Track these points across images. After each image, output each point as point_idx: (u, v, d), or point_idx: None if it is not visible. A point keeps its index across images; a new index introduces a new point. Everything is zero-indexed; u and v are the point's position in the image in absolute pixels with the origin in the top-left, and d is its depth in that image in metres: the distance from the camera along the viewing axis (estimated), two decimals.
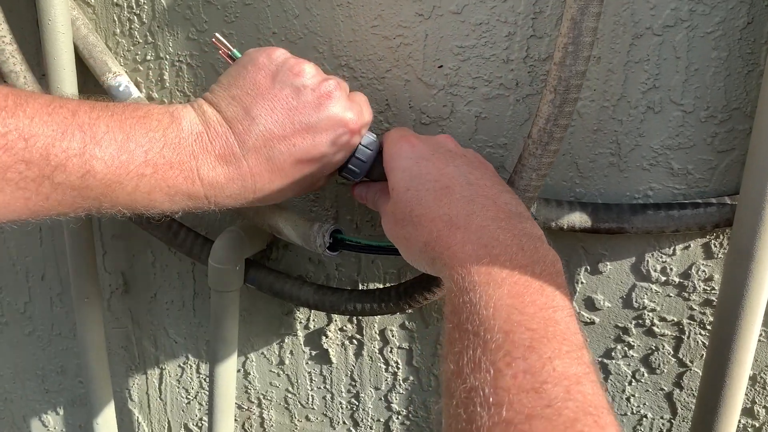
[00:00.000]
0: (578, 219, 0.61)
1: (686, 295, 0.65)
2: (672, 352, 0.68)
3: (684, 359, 0.68)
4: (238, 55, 0.57)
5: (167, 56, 0.69)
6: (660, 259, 0.64)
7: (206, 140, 0.50)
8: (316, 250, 0.63)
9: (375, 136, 0.58)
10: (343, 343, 0.78)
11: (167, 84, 0.71)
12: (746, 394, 0.68)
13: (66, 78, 0.70)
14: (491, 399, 0.34)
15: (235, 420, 0.87)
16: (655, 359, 0.69)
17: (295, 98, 0.53)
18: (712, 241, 0.63)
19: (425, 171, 0.51)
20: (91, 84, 0.73)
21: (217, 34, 0.57)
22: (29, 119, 0.43)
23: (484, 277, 0.41)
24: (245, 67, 0.54)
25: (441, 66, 0.62)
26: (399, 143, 0.55)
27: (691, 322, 0.66)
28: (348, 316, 0.76)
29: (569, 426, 0.32)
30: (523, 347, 0.36)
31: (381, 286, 0.72)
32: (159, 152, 0.48)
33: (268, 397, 0.84)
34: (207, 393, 0.86)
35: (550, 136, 0.53)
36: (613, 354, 0.69)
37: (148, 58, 0.70)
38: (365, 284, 0.74)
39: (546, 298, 0.40)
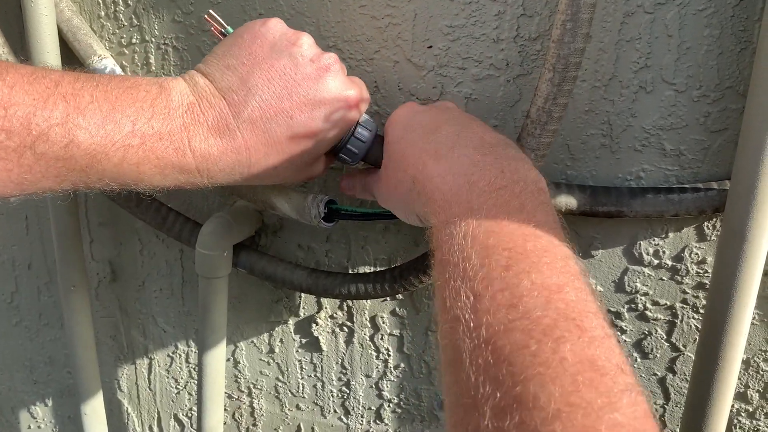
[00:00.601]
0: (576, 202, 0.60)
1: (679, 278, 0.64)
2: (665, 337, 0.67)
3: (677, 343, 0.67)
4: (231, 31, 0.55)
5: (153, 39, 0.68)
6: (653, 242, 0.63)
7: (198, 111, 0.49)
8: (311, 221, 0.63)
9: (371, 118, 0.57)
10: (333, 331, 0.77)
11: (153, 67, 0.69)
12: (740, 378, 0.68)
13: (50, 62, 0.69)
14: (472, 324, 0.34)
15: (225, 410, 0.86)
16: (648, 344, 0.68)
17: (293, 69, 0.51)
18: (705, 223, 0.62)
19: (418, 120, 0.52)
20: (76, 67, 0.72)
21: (210, 11, 0.56)
22: (9, 88, 0.42)
23: (464, 206, 0.41)
24: (241, 36, 0.52)
25: (430, 46, 0.61)
26: (400, 107, 0.55)
27: (684, 306, 0.65)
28: (340, 302, 0.75)
29: (547, 333, 0.32)
30: (500, 267, 0.36)
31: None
32: (147, 123, 0.46)
33: (258, 386, 0.83)
34: (196, 382, 0.85)
35: (549, 115, 0.52)
36: None
37: (134, 41, 0.69)
38: (355, 270, 0.73)
39: (525, 214, 0.40)
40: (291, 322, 0.78)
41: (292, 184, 0.66)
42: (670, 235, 0.63)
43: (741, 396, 0.68)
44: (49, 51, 0.68)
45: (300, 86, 0.51)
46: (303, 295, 0.76)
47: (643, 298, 0.66)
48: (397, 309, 0.73)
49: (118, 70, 0.69)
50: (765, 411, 0.68)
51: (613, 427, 0.28)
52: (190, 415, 0.89)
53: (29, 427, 0.97)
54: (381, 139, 0.56)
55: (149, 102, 0.47)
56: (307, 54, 0.52)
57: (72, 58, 0.70)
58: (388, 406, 0.79)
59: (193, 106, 0.49)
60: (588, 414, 0.28)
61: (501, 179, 0.42)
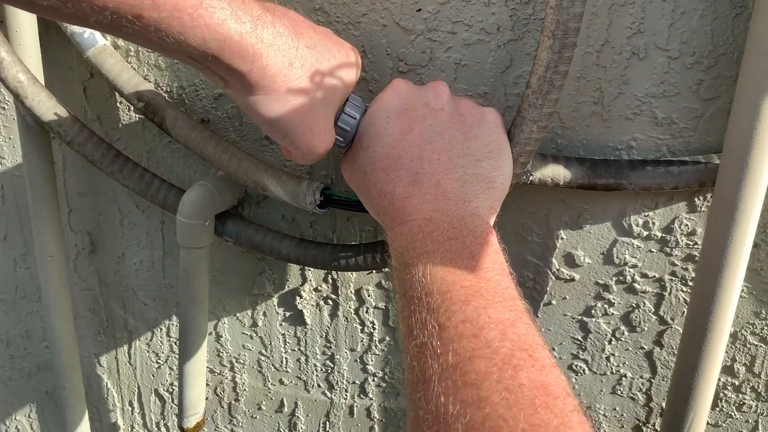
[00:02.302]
0: (574, 175, 0.59)
1: (668, 250, 0.64)
2: (653, 310, 0.67)
3: (665, 317, 0.67)
4: None
5: None
6: (642, 214, 0.63)
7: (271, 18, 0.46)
8: (305, 207, 0.62)
9: (361, 100, 0.55)
10: (317, 304, 0.75)
11: None
12: (726, 352, 0.67)
13: (25, 24, 0.67)
14: (439, 350, 0.38)
15: (207, 384, 0.84)
16: (636, 317, 0.67)
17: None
18: (696, 194, 0.61)
19: (388, 132, 0.52)
20: (53, 32, 0.70)
21: None
22: None
23: (420, 250, 0.45)
24: None
25: (419, 9, 0.59)
26: (386, 89, 0.54)
27: (673, 278, 0.65)
28: (324, 274, 0.74)
29: (507, 362, 0.36)
30: (459, 302, 0.40)
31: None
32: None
33: (241, 361, 0.82)
34: (177, 357, 0.83)
35: (551, 84, 0.51)
36: (593, 312, 0.68)
37: None
38: (340, 242, 0.71)
39: (476, 261, 0.44)
40: (275, 295, 0.77)
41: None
42: (661, 206, 0.62)
43: (728, 370, 0.68)
44: (22, 13, 0.66)
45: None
46: (287, 267, 0.75)
47: (631, 270, 0.65)
48: (383, 281, 0.72)
49: (98, 35, 0.67)
50: (751, 385, 0.68)
51: None
52: (171, 390, 0.88)
53: (6, 402, 0.95)
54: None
55: None
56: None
57: (49, 21, 0.68)
58: (373, 380, 0.78)
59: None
60: None
61: (451, 231, 0.46)
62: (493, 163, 0.51)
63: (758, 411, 0.69)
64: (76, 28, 0.67)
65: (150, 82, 0.68)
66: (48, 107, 0.68)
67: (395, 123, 0.52)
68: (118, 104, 0.72)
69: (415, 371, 0.38)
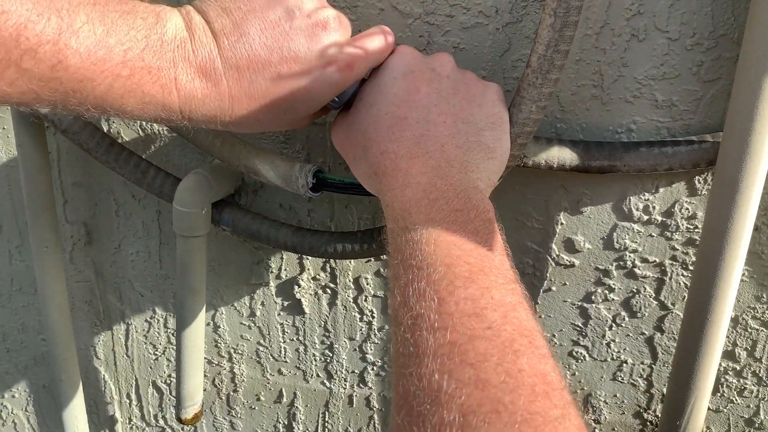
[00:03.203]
0: (568, 157, 0.58)
1: (669, 234, 0.63)
2: (653, 295, 0.66)
3: (666, 302, 0.66)
4: None
5: None
6: (643, 198, 0.62)
7: (189, 48, 0.46)
8: (298, 191, 0.61)
9: None
10: (316, 293, 0.75)
11: None
12: (728, 337, 0.67)
13: None
14: (436, 324, 0.36)
15: (205, 375, 0.84)
16: (636, 302, 0.67)
17: (287, 22, 0.48)
18: (696, 177, 0.61)
19: (395, 91, 0.50)
20: None
21: None
22: None
23: (424, 216, 0.43)
24: None
25: None
26: (393, 54, 0.53)
27: (674, 263, 0.64)
28: (323, 263, 0.73)
29: (507, 345, 0.35)
30: (463, 278, 0.39)
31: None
32: (139, 54, 0.44)
33: (239, 351, 0.81)
34: (175, 348, 0.83)
35: (551, 63, 0.50)
36: (593, 298, 0.67)
37: None
38: (339, 230, 0.71)
39: (480, 238, 0.42)
40: (272, 284, 0.76)
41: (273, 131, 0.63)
42: (661, 189, 0.62)
43: (729, 354, 0.68)
44: None
45: (291, 40, 0.48)
46: (285, 256, 0.74)
47: (632, 255, 0.65)
48: (382, 270, 0.72)
49: None
50: (752, 369, 0.68)
51: None
52: (168, 381, 0.87)
53: (3, 396, 0.94)
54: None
55: (145, 31, 0.44)
56: (306, 7, 0.49)
57: None
58: (372, 369, 0.78)
59: (185, 43, 0.46)
60: (546, 422, 0.32)
61: (457, 202, 0.44)
62: (494, 134, 0.51)
63: (759, 396, 0.69)
64: None
65: None
66: None
67: (401, 83, 0.51)
68: None
69: (408, 344, 0.37)
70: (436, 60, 0.53)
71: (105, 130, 0.70)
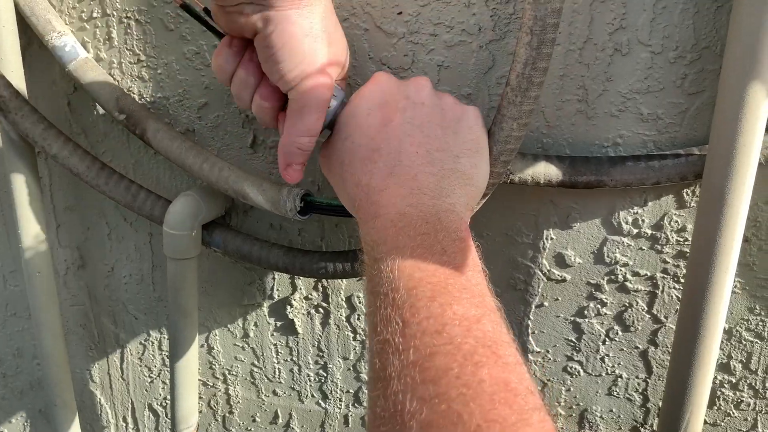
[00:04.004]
0: (555, 173, 0.58)
1: (659, 247, 0.63)
2: (646, 308, 0.66)
3: (658, 315, 0.66)
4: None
5: (114, 12, 0.66)
6: (631, 211, 0.62)
7: None
8: (286, 214, 0.61)
9: (340, 89, 0.55)
10: (308, 313, 0.75)
11: (116, 42, 0.67)
12: (722, 349, 0.66)
13: (7, 38, 0.67)
14: (400, 347, 0.37)
15: (201, 397, 0.83)
16: (629, 316, 0.67)
17: None
18: (684, 190, 0.61)
19: (369, 123, 0.51)
20: (36, 45, 0.70)
21: None
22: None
23: (391, 245, 0.44)
24: None
25: (400, 12, 0.59)
26: (368, 82, 0.54)
27: (665, 276, 0.64)
28: (315, 282, 0.73)
29: (468, 358, 0.35)
30: (425, 298, 0.39)
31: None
32: None
33: (234, 372, 0.81)
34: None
35: (530, 81, 0.50)
36: (585, 312, 0.67)
37: (95, 15, 0.67)
38: (329, 249, 0.71)
39: (447, 257, 0.43)
40: (265, 304, 0.76)
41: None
42: (649, 203, 0.62)
43: (724, 367, 0.67)
44: (5, 26, 0.66)
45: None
46: (277, 276, 0.74)
47: (623, 269, 0.64)
48: None
49: (79, 47, 0.67)
50: (748, 382, 0.67)
51: None
52: (164, 404, 0.87)
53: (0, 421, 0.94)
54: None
55: None
56: None
57: (31, 34, 0.68)
58: (367, 388, 0.77)
59: None
60: (504, 428, 0.32)
61: (424, 227, 0.45)
62: (471, 160, 0.51)
63: (756, 408, 0.68)
64: (57, 42, 0.67)
65: (134, 93, 0.68)
66: (31, 121, 0.67)
67: (376, 114, 0.51)
68: (103, 117, 0.71)
69: (376, 368, 0.38)
70: (411, 86, 0.53)
71: (94, 154, 0.70)
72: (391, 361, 0.36)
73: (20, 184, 0.72)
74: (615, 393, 0.71)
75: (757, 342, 0.66)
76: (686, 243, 0.62)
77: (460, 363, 0.35)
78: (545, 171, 0.59)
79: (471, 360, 0.35)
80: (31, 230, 0.74)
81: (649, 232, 0.62)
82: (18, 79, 0.68)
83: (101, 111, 0.71)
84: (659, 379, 0.69)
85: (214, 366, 0.81)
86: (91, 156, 0.69)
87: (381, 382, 0.36)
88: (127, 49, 0.67)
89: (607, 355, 0.69)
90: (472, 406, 0.33)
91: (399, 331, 0.38)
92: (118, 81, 0.68)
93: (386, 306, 0.40)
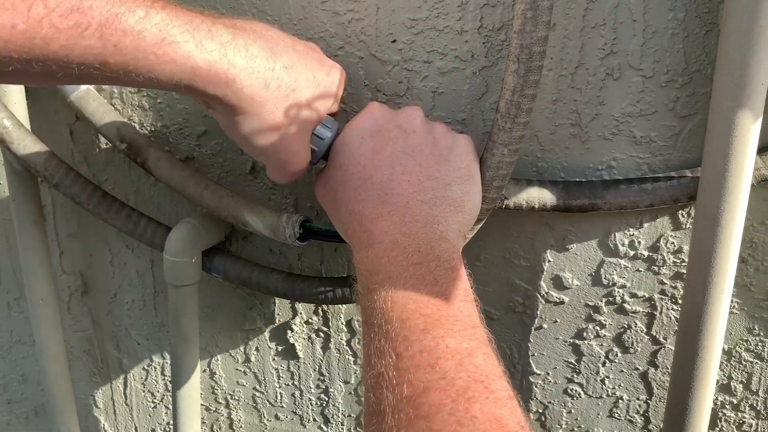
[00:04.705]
0: (549, 197, 0.59)
1: (656, 269, 0.63)
2: (645, 330, 0.66)
3: (657, 336, 0.66)
4: None
5: None
6: (627, 233, 0.62)
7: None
8: (285, 240, 0.62)
9: (333, 120, 0.55)
10: (309, 337, 0.75)
11: None
12: (722, 370, 0.66)
13: None
14: (394, 381, 0.37)
15: (204, 422, 0.84)
16: (628, 338, 0.67)
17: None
18: (680, 211, 0.61)
19: (361, 152, 0.52)
20: None
21: None
22: None
23: (384, 276, 0.45)
24: None
25: (394, 41, 0.60)
26: (362, 112, 0.54)
27: (663, 297, 0.64)
28: (315, 307, 0.73)
29: (461, 393, 0.36)
30: (418, 330, 0.40)
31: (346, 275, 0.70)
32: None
33: (236, 397, 0.81)
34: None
35: (518, 107, 0.51)
36: (584, 334, 0.67)
37: None
38: (328, 274, 0.71)
39: (439, 287, 0.43)
40: (266, 329, 0.76)
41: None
42: (645, 225, 0.62)
43: (725, 388, 0.67)
44: None
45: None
46: (277, 301, 0.74)
47: (620, 290, 0.65)
48: None
49: None
50: (750, 402, 0.67)
51: None
52: (168, 429, 0.87)
53: None
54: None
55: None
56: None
57: None
58: None
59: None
60: None
61: (417, 257, 0.46)
62: (463, 188, 0.51)
63: (759, 429, 0.68)
64: None
65: (134, 122, 0.69)
66: (34, 151, 0.69)
67: (368, 143, 0.52)
68: (105, 146, 0.73)
69: (371, 402, 0.38)
70: (404, 116, 0.53)
71: (96, 183, 0.71)
72: (386, 396, 0.37)
73: (23, 212, 0.73)
74: (616, 415, 0.71)
75: (757, 362, 0.65)
76: (683, 264, 0.62)
77: (453, 399, 0.35)
78: (539, 195, 0.59)
79: (464, 396, 0.36)
80: (34, 258, 0.75)
81: (646, 253, 0.63)
82: (21, 110, 0.69)
83: (103, 140, 0.72)
84: (660, 401, 0.69)
85: (216, 391, 0.82)
86: (93, 185, 0.70)
87: (376, 416, 0.37)
88: None
89: (608, 377, 0.69)
90: None
91: (393, 365, 0.38)
92: (119, 110, 0.69)
93: (380, 338, 0.40)
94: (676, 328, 0.65)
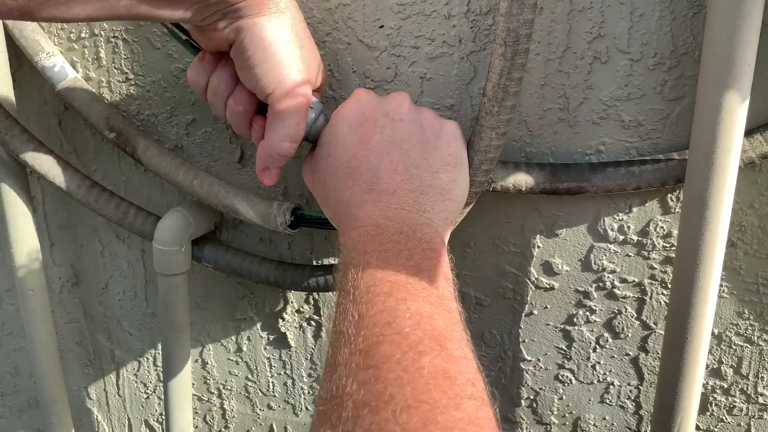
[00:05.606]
0: (536, 180, 0.59)
1: (645, 253, 0.63)
2: (635, 315, 0.66)
3: (648, 321, 0.66)
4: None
5: (102, 32, 0.67)
6: (617, 218, 0.62)
7: None
8: (276, 228, 0.62)
9: (317, 101, 0.55)
10: (300, 325, 0.75)
11: (104, 62, 0.68)
12: (713, 354, 0.66)
13: None
14: (352, 337, 0.38)
15: (196, 412, 0.84)
16: (619, 323, 0.67)
17: None
18: (669, 195, 0.61)
19: (349, 141, 0.52)
20: (26, 66, 0.71)
21: None
22: None
23: (360, 251, 0.46)
24: None
25: (382, 26, 0.59)
26: (348, 99, 0.55)
27: (653, 282, 0.64)
28: (306, 295, 0.73)
29: (412, 347, 0.36)
30: (383, 294, 0.41)
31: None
32: None
33: (228, 387, 0.81)
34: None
35: (505, 91, 0.51)
36: (575, 320, 0.67)
37: (83, 35, 0.68)
38: (319, 262, 0.71)
39: (413, 262, 0.44)
40: (257, 318, 0.76)
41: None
42: (634, 209, 0.62)
43: (715, 372, 0.67)
44: None
45: None
46: (268, 290, 0.74)
47: (610, 275, 0.65)
48: None
49: (68, 67, 0.68)
50: (740, 387, 0.67)
51: (451, 420, 0.32)
52: (161, 420, 0.87)
53: None
54: (327, 120, 0.55)
55: None
56: None
57: (21, 56, 0.69)
58: None
59: None
60: (433, 409, 0.33)
61: (397, 237, 0.46)
62: (450, 175, 0.51)
63: (749, 414, 0.68)
64: (47, 63, 0.68)
65: (123, 112, 0.69)
66: (22, 142, 0.68)
67: (356, 132, 0.52)
68: (94, 135, 0.72)
69: (329, 357, 0.39)
70: (391, 103, 0.53)
71: (85, 173, 0.71)
72: (342, 351, 0.37)
73: (13, 204, 0.73)
74: (607, 400, 0.71)
75: (747, 346, 0.66)
76: (672, 248, 0.62)
77: (404, 351, 0.36)
78: (526, 178, 0.59)
79: (415, 349, 0.36)
80: (24, 249, 0.75)
81: (635, 238, 0.63)
82: (8, 100, 0.69)
83: (92, 130, 0.72)
84: (651, 386, 0.69)
85: (208, 381, 0.81)
86: (81, 174, 0.70)
87: (329, 368, 0.38)
88: (115, 68, 0.68)
89: (599, 363, 0.69)
90: (407, 389, 0.33)
91: (354, 323, 0.39)
92: (107, 100, 0.69)
93: (347, 301, 0.41)
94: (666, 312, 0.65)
